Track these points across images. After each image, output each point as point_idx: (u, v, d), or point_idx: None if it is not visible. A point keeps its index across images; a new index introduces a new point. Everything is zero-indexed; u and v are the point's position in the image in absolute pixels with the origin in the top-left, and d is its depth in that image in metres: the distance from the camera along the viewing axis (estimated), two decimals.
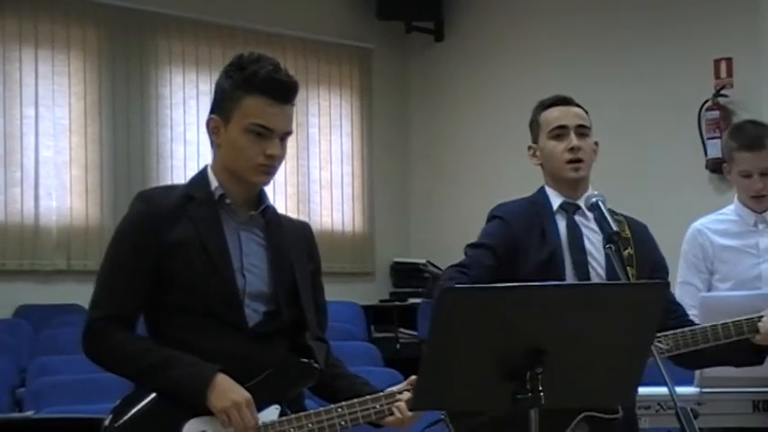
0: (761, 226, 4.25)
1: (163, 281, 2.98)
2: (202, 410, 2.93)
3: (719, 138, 6.84)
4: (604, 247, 3.34)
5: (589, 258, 3.48)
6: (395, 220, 9.06)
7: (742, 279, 4.24)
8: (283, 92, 3.02)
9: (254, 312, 3.03)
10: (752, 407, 3.97)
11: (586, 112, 3.64)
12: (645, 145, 7.40)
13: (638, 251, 3.49)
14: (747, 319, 3.50)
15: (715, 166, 6.94)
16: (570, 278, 3.42)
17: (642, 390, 2.99)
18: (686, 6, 7.34)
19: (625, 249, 3.39)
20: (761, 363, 3.60)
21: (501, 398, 2.53)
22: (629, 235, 3.51)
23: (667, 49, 7.36)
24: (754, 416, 3.97)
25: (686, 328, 3.49)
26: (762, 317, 3.50)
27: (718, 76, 7.13)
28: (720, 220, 4.41)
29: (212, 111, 3.06)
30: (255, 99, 2.98)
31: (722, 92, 7.07)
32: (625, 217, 3.58)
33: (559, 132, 3.57)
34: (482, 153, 8.45)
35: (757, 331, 3.48)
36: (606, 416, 3.27)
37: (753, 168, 4.23)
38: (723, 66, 7.12)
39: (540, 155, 3.62)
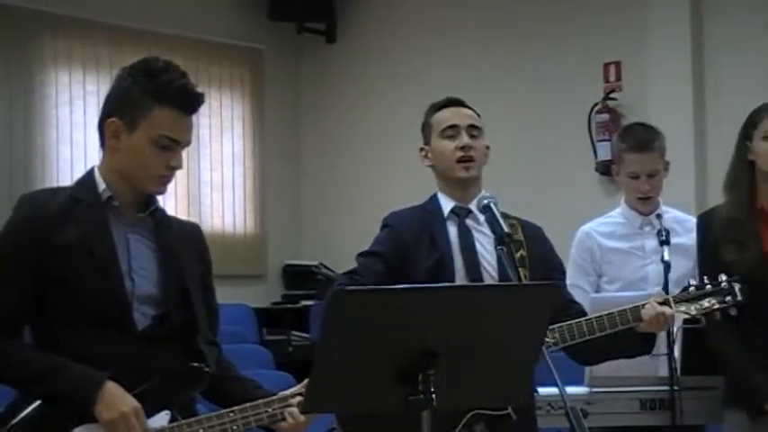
0: (647, 228, 4.31)
1: (48, 286, 2.91)
2: (90, 418, 2.87)
3: (609, 140, 6.93)
4: (496, 249, 3.37)
5: (481, 260, 3.50)
6: (287, 221, 9.01)
7: (629, 280, 4.30)
8: (193, 105, 3.01)
9: (143, 316, 2.98)
10: (639, 405, 4.02)
11: (478, 115, 3.66)
12: (535, 147, 7.45)
13: (532, 253, 3.51)
14: (632, 308, 3.55)
15: (605, 169, 7.02)
16: (462, 281, 3.43)
17: None
18: (576, 9, 7.41)
19: (518, 251, 3.41)
20: (650, 351, 3.65)
21: (393, 400, 2.51)
22: (522, 237, 3.53)
23: (558, 51, 7.42)
24: (641, 414, 4.02)
25: (572, 321, 3.52)
26: (645, 304, 3.55)
27: (607, 79, 7.20)
28: (608, 222, 4.47)
29: (111, 113, 2.99)
30: (166, 111, 2.95)
31: (611, 95, 7.15)
32: (518, 219, 3.60)
33: (451, 132, 3.58)
34: (374, 154, 8.44)
35: (641, 319, 3.53)
36: (494, 412, 3.28)
37: (640, 170, 4.30)
38: (612, 69, 7.20)
39: (431, 156, 3.63)
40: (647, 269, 4.27)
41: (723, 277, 3.64)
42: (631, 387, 4.02)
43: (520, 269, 3.31)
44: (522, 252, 3.45)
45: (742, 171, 3.99)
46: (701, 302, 3.61)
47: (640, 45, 7.05)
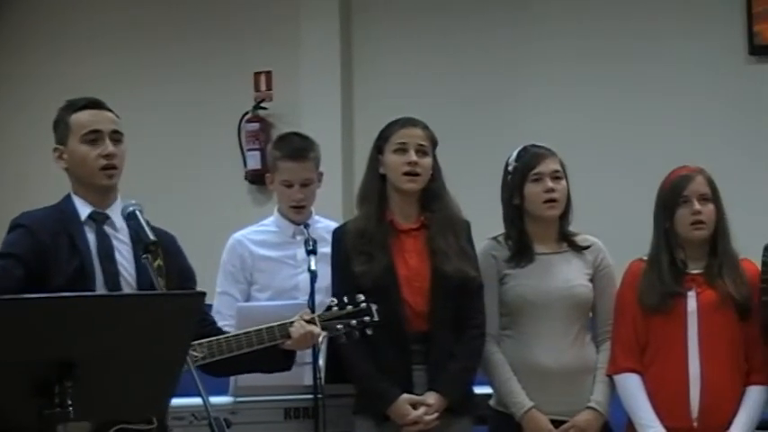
0: (299, 237, 4.33)
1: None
2: None
3: (259, 149, 7.00)
4: (141, 258, 3.28)
5: (120, 269, 3.39)
6: None
7: (281, 289, 4.31)
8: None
9: None
10: (284, 414, 4.04)
11: (118, 117, 3.55)
12: (185, 155, 7.36)
13: (168, 262, 3.43)
14: (280, 325, 3.57)
15: (254, 178, 7.04)
16: (101, 290, 3.31)
17: (176, 400, 2.94)
18: (227, 18, 7.39)
19: (155, 260, 3.33)
20: (290, 368, 3.69)
21: (28, 414, 2.39)
22: (158, 246, 3.45)
23: (208, 59, 7.37)
24: (285, 423, 4.05)
25: (221, 336, 3.50)
26: (293, 322, 3.59)
27: (258, 88, 7.23)
28: (260, 230, 4.47)
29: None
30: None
31: (262, 104, 7.18)
32: (153, 227, 3.51)
33: (93, 137, 3.45)
34: (25, 151, 7.99)
35: (289, 336, 3.57)
36: (140, 428, 3.20)
37: (294, 178, 4.32)
38: (263, 79, 7.23)
39: (68, 158, 3.48)
40: (299, 278, 4.29)
41: (361, 297, 3.73)
42: (276, 396, 4.04)
43: (159, 279, 3.24)
44: (159, 261, 3.37)
45: (373, 184, 4.08)
46: (343, 321, 3.68)
47: (292, 56, 7.11)
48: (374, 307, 3.71)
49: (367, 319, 3.70)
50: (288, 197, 4.36)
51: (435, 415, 3.91)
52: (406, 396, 3.91)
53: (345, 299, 3.72)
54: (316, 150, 4.41)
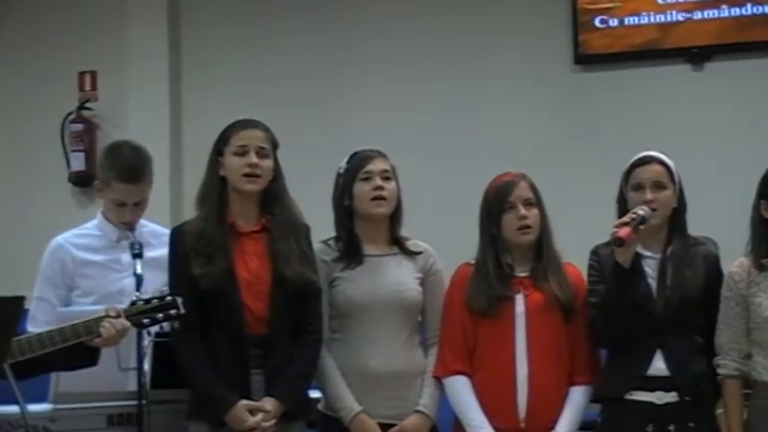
0: (124, 241, 4.25)
1: None
2: None
3: (83, 151, 6.91)
4: None
5: None
6: None
7: (105, 293, 4.21)
8: None
9: None
10: (107, 421, 3.94)
11: None
12: (6, 156, 7.18)
13: None
14: (85, 323, 3.55)
15: (78, 180, 6.92)
16: None
17: None
18: (50, 16, 7.22)
19: None
20: (96, 363, 3.66)
21: None
22: None
23: (30, 59, 7.19)
24: (109, 430, 3.95)
25: (22, 337, 3.42)
26: (101, 319, 3.57)
27: (82, 88, 7.10)
28: (83, 234, 4.37)
29: None
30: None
31: (87, 105, 7.04)
32: None
33: None
34: None
35: (99, 335, 3.54)
36: None
37: (128, 199, 4.24)
38: (88, 78, 7.10)
39: None
40: (124, 282, 4.19)
41: (167, 290, 3.72)
42: (98, 402, 3.93)
43: None
44: None
45: (213, 186, 4.03)
46: (149, 315, 3.68)
47: (118, 56, 7.01)
48: (179, 300, 3.69)
49: (173, 312, 3.68)
50: (119, 215, 4.28)
51: (273, 421, 3.88)
52: (244, 402, 3.86)
53: (151, 293, 3.70)
54: (150, 166, 4.32)
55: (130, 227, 4.27)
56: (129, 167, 4.24)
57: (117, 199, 4.25)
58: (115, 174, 4.23)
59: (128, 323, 3.62)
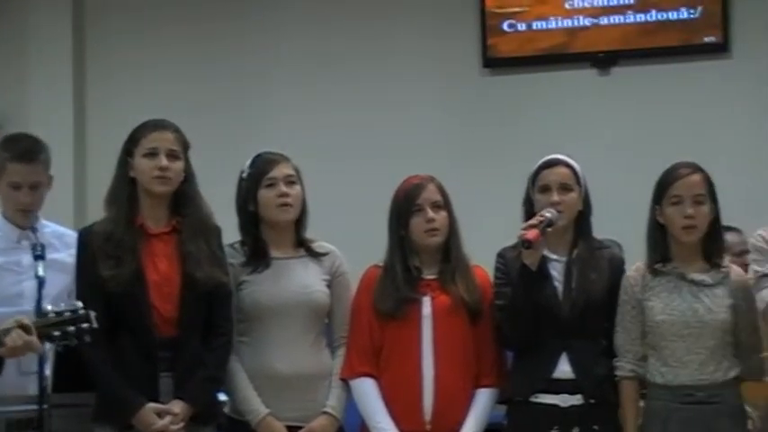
0: (24, 242, 4.16)
1: None
2: None
3: None
4: None
5: None
6: None
7: (4, 296, 4.12)
8: None
9: None
10: (6, 426, 3.89)
11: None
12: None
13: None
14: None
15: None
16: None
17: None
18: None
19: None
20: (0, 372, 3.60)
21: None
22: None
23: None
24: None
25: None
26: (8, 331, 3.50)
27: None
28: None
29: None
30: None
31: None
32: None
33: None
34: None
35: (2, 345, 3.48)
36: None
37: (23, 180, 4.15)
38: None
39: None
40: (24, 285, 4.10)
41: (79, 304, 3.62)
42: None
43: None
44: None
45: (122, 187, 3.99)
46: (60, 328, 3.58)
47: (20, 54, 6.91)
48: (92, 314, 3.60)
49: (85, 326, 3.58)
50: (15, 200, 4.19)
51: (181, 424, 3.84)
52: (151, 405, 3.82)
53: (63, 305, 3.62)
54: (46, 152, 4.26)
55: (29, 211, 4.18)
56: (23, 148, 4.18)
57: (12, 182, 4.17)
58: (10, 155, 4.17)
59: (37, 342, 3.53)
